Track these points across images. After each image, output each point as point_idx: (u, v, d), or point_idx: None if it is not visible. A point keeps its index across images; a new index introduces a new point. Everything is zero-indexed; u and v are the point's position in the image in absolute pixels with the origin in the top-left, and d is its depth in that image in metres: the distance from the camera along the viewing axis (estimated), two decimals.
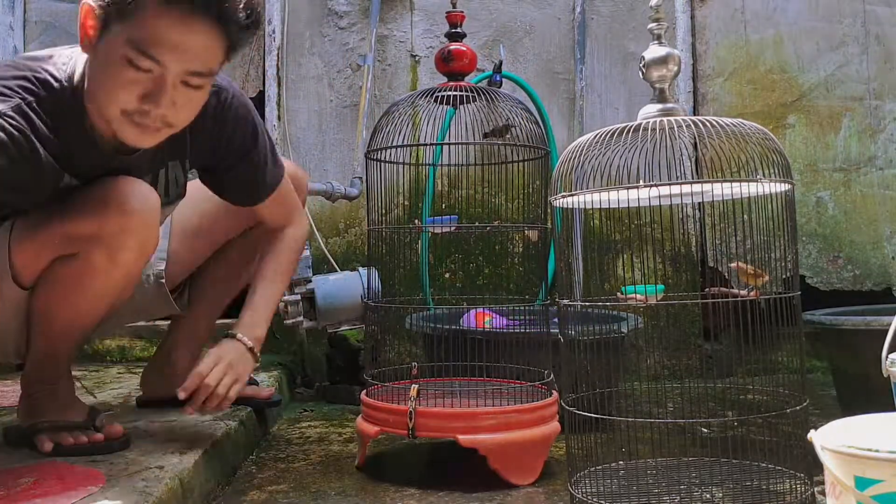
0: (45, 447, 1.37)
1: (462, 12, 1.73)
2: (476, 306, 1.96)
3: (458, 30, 1.70)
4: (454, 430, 1.49)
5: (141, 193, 1.32)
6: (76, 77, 1.26)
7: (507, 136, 1.67)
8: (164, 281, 1.67)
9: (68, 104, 1.25)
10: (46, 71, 1.25)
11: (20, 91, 1.20)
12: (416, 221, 2.25)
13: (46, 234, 1.32)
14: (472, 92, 1.66)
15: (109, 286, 1.39)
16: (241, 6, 1.18)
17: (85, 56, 1.24)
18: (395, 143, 1.66)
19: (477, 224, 2.45)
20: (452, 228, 1.94)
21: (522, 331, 1.81)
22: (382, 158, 1.70)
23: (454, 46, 1.68)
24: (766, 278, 1.35)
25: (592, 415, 1.33)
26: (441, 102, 1.67)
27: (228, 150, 1.46)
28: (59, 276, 1.35)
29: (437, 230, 1.93)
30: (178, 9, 1.13)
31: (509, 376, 1.71)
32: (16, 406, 1.80)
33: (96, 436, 1.39)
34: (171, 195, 1.51)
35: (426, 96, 1.69)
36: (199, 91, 1.23)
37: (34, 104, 1.21)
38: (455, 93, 1.64)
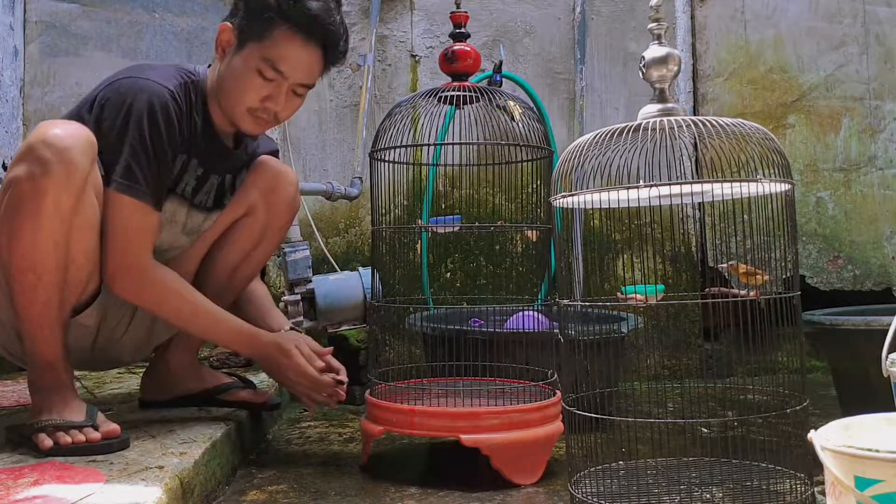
0: (44, 445, 1.37)
1: (466, 13, 1.73)
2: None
3: (463, 30, 1.70)
4: (456, 430, 1.49)
5: (66, 128, 1.40)
6: (206, 80, 1.62)
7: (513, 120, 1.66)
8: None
9: (202, 98, 1.60)
10: (191, 70, 1.61)
11: (179, 77, 1.56)
12: (419, 221, 2.24)
13: (5, 177, 1.42)
14: (475, 92, 1.65)
15: (43, 215, 1.38)
16: (342, 40, 1.59)
17: (206, 67, 1.63)
18: (400, 143, 1.66)
19: (477, 224, 2.45)
20: (456, 229, 1.94)
21: (524, 331, 1.81)
22: (387, 159, 1.70)
23: (458, 46, 1.68)
24: (765, 277, 1.35)
25: (592, 415, 1.33)
26: (444, 102, 1.67)
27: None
28: (7, 208, 1.38)
29: (441, 230, 1.93)
30: (300, 37, 1.53)
31: (513, 376, 1.71)
32: (15, 406, 1.81)
33: (93, 435, 1.39)
34: (224, 203, 1.71)
35: (429, 96, 1.69)
36: (301, 98, 1.60)
37: (188, 86, 1.56)
38: (459, 93, 1.64)
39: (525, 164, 1.71)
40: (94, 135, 1.44)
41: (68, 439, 1.38)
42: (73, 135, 1.39)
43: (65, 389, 1.46)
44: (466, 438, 1.47)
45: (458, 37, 1.70)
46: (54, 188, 1.36)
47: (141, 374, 1.85)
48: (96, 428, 1.41)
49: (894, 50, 2.76)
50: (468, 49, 1.68)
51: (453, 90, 1.65)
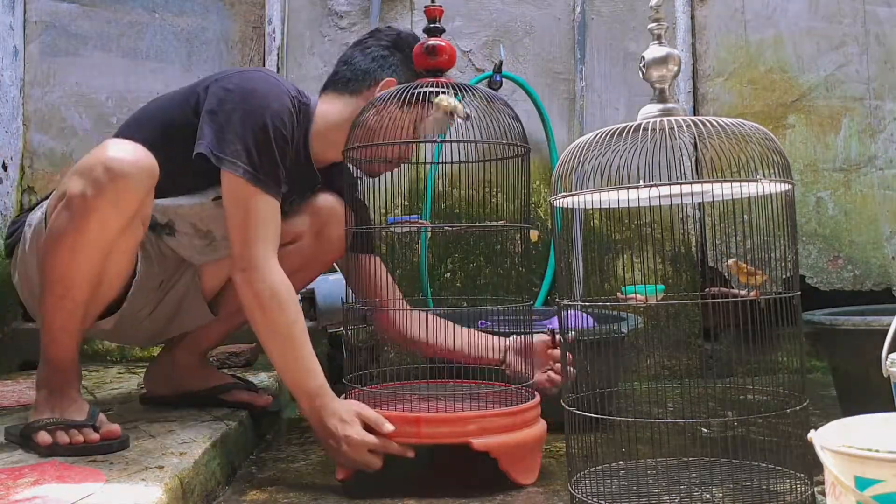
0: (44, 443, 1.37)
1: (440, 7, 1.67)
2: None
3: (438, 24, 1.65)
4: (466, 435, 1.44)
5: (130, 153, 1.41)
6: (314, 110, 1.67)
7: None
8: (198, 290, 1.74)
9: (306, 126, 1.65)
10: (303, 93, 1.66)
11: (294, 93, 1.61)
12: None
13: (64, 185, 1.44)
14: (450, 88, 1.59)
15: (90, 234, 1.39)
16: None
17: (317, 98, 1.69)
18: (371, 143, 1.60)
19: (445, 224, 2.43)
20: (414, 229, 1.91)
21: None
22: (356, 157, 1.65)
23: (435, 41, 1.61)
24: (764, 277, 1.35)
25: (592, 415, 1.32)
26: (417, 100, 1.60)
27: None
28: (57, 218, 1.41)
29: (399, 229, 1.89)
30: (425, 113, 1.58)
31: (481, 378, 1.68)
32: (15, 406, 1.81)
33: (92, 435, 1.40)
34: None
35: (403, 95, 1.62)
36: None
37: (301, 108, 1.62)
38: (434, 89, 1.55)
39: (501, 161, 1.66)
40: (202, 117, 1.51)
41: (67, 439, 1.38)
42: (134, 163, 1.39)
43: (69, 389, 1.46)
44: (477, 443, 1.44)
45: (434, 31, 1.63)
46: (103, 211, 1.37)
47: (142, 374, 1.86)
48: (97, 428, 1.41)
49: (894, 50, 2.76)
50: (444, 44, 1.63)
51: (430, 86, 1.59)
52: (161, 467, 1.29)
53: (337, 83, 1.69)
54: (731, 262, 1.38)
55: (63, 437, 1.38)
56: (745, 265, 1.36)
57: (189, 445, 1.44)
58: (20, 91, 2.72)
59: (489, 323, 2.06)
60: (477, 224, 2.13)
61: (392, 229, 1.80)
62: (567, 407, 1.35)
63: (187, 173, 1.55)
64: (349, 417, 1.46)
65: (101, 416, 1.44)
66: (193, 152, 1.49)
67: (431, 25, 1.64)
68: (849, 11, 2.77)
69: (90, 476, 1.23)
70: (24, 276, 1.61)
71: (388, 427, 1.44)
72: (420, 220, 1.74)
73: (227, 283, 1.73)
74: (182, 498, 1.26)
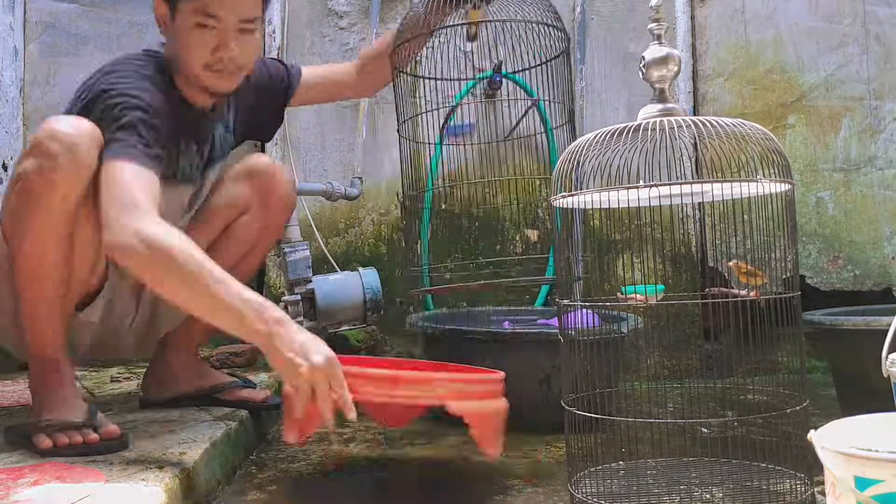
0: (43, 446, 1.37)
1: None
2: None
3: None
4: (443, 398, 1.39)
5: (72, 123, 1.41)
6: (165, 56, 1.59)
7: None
8: None
9: (168, 76, 1.57)
10: (155, 50, 1.61)
11: (147, 64, 1.54)
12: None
13: (14, 173, 1.43)
14: None
15: (51, 208, 1.39)
16: None
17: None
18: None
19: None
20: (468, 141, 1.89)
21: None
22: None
23: None
24: (765, 279, 1.35)
25: (592, 415, 1.33)
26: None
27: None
28: (14, 203, 1.41)
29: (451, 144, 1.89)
30: None
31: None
32: (15, 406, 1.81)
33: (91, 436, 1.40)
34: (225, 151, 1.74)
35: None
36: (253, 34, 1.55)
37: (160, 66, 1.56)
38: None
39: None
40: None
41: (66, 440, 1.38)
42: (80, 129, 1.39)
43: (66, 389, 1.46)
44: (454, 406, 1.39)
45: None
46: (63, 182, 1.37)
47: (141, 375, 1.85)
48: (96, 429, 1.41)
49: (894, 50, 2.76)
50: None
51: None
52: (161, 467, 1.29)
53: None
54: (731, 263, 1.38)
55: (62, 439, 1.38)
56: (745, 265, 1.36)
57: (189, 445, 1.43)
58: (20, 91, 2.72)
59: (510, 324, 2.07)
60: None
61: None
62: (567, 407, 1.35)
63: None
64: (323, 360, 1.23)
65: (101, 416, 1.44)
66: None
67: None
68: (849, 11, 2.77)
69: (90, 476, 1.23)
70: None
71: (352, 415, 1.24)
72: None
73: None
74: (182, 498, 1.26)
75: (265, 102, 1.82)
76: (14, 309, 1.50)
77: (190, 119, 1.61)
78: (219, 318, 1.27)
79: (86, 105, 1.47)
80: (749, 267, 1.35)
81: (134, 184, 1.35)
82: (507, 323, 2.07)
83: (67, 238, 1.42)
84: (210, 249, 1.72)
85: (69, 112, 1.51)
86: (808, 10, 2.78)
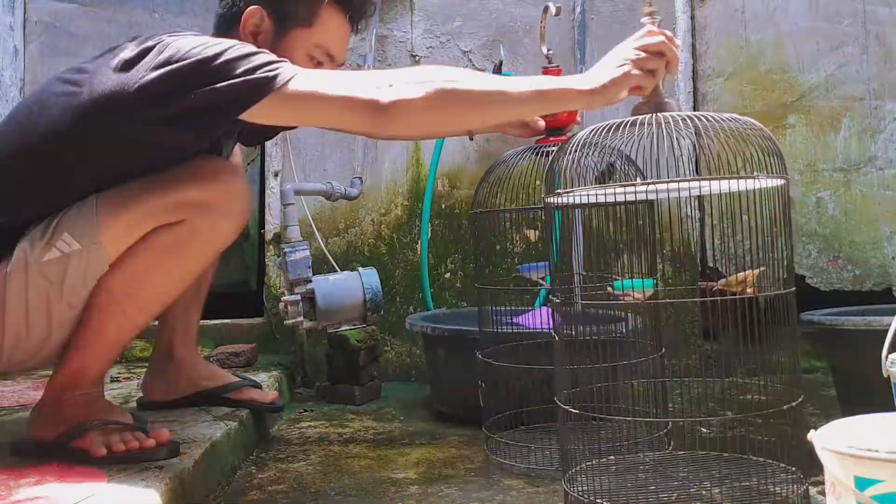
0: (97, 454, 1.30)
1: (559, 67, 1.71)
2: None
3: None
4: None
5: (236, 169, 1.45)
6: None
7: (613, 177, 1.61)
8: None
9: None
10: None
11: None
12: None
13: (152, 202, 1.34)
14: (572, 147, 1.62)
15: (207, 253, 1.40)
16: (364, 25, 1.60)
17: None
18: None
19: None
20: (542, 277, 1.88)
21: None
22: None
23: None
24: (755, 273, 1.34)
25: (589, 413, 1.31)
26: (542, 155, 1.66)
27: None
28: (158, 244, 1.35)
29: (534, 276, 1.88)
30: (348, 26, 1.55)
31: None
32: (15, 406, 1.81)
33: (147, 441, 1.35)
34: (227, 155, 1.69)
35: (531, 152, 1.70)
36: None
37: None
38: (553, 148, 1.59)
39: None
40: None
41: (122, 445, 1.32)
42: (248, 200, 1.43)
43: (103, 400, 1.45)
44: None
45: None
46: (222, 243, 1.39)
47: (141, 375, 1.85)
48: (146, 432, 1.37)
49: (894, 50, 2.76)
50: None
51: (552, 146, 1.62)
52: (161, 467, 1.29)
53: (214, 29, 1.55)
54: (721, 283, 1.37)
55: (118, 443, 1.32)
56: (734, 278, 1.35)
57: (189, 445, 1.44)
58: (20, 91, 2.72)
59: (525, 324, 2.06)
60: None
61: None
62: (561, 405, 1.34)
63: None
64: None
65: (147, 421, 1.43)
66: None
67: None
68: (849, 11, 2.77)
69: (91, 476, 1.23)
70: None
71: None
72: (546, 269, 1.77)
73: None
74: (182, 498, 1.26)
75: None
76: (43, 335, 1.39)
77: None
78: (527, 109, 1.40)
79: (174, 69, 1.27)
80: (738, 276, 1.35)
81: (327, 76, 1.32)
82: (517, 321, 2.07)
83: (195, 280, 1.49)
84: None
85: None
86: (808, 10, 2.78)
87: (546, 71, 1.71)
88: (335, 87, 1.28)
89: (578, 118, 1.74)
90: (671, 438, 1.60)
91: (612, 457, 1.46)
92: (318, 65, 1.51)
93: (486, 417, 1.74)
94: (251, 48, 1.30)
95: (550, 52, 1.70)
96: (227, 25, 1.52)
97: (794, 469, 1.30)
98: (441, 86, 1.27)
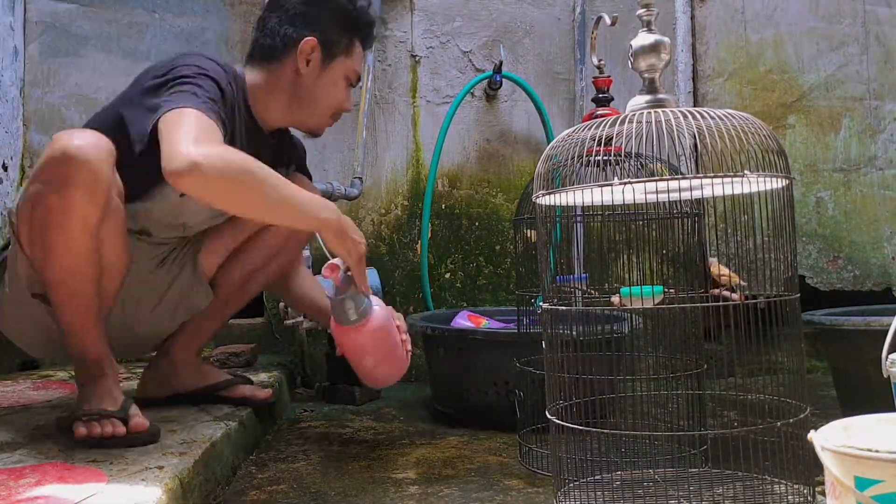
0: (78, 434, 1.39)
1: (609, 77, 1.71)
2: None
3: (606, 94, 1.68)
4: None
5: (85, 138, 1.38)
6: (243, 78, 1.66)
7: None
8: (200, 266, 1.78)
9: (243, 93, 1.64)
10: (231, 65, 1.64)
11: (224, 67, 1.58)
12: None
13: (29, 192, 1.41)
14: (621, 156, 1.58)
15: (73, 230, 1.38)
16: (370, 48, 1.84)
17: (241, 68, 1.67)
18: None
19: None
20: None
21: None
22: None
23: (603, 110, 1.63)
24: (735, 280, 1.33)
25: (578, 426, 1.26)
26: (593, 165, 1.63)
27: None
28: (36, 224, 1.39)
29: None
30: (363, 47, 1.74)
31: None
32: (15, 406, 1.81)
33: (120, 427, 1.40)
34: None
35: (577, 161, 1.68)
36: None
37: (232, 76, 1.60)
38: (606, 157, 1.58)
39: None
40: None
41: (98, 430, 1.39)
42: (93, 144, 1.38)
43: (105, 380, 1.48)
44: None
45: (602, 101, 1.68)
46: (81, 201, 1.36)
47: (141, 375, 1.85)
48: (125, 421, 1.41)
49: (894, 50, 2.76)
50: (609, 112, 1.64)
51: (600, 155, 1.59)
52: (161, 467, 1.29)
53: (255, 55, 1.68)
54: (712, 260, 1.36)
55: (95, 430, 1.39)
56: (715, 268, 1.34)
57: (189, 445, 1.44)
58: (20, 91, 2.72)
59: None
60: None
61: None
62: (553, 419, 1.29)
63: (144, 168, 1.45)
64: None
65: (133, 409, 1.45)
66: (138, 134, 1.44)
67: (600, 95, 1.68)
68: (849, 11, 2.77)
69: (92, 476, 1.23)
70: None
71: None
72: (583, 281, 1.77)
73: (216, 281, 1.80)
74: (182, 498, 1.26)
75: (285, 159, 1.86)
76: (31, 313, 1.53)
77: (253, 137, 1.65)
78: (300, 220, 1.53)
79: (161, 77, 1.47)
80: (721, 267, 1.33)
81: (196, 125, 1.37)
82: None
83: (94, 254, 1.42)
84: (236, 251, 1.80)
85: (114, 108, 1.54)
86: (808, 11, 2.78)
87: (596, 81, 1.72)
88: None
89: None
90: (677, 450, 1.59)
91: (603, 475, 1.43)
92: (350, 85, 1.71)
93: (522, 427, 1.65)
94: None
95: (602, 61, 1.69)
96: (272, 54, 1.65)
97: (801, 476, 1.28)
98: (243, 166, 1.37)
